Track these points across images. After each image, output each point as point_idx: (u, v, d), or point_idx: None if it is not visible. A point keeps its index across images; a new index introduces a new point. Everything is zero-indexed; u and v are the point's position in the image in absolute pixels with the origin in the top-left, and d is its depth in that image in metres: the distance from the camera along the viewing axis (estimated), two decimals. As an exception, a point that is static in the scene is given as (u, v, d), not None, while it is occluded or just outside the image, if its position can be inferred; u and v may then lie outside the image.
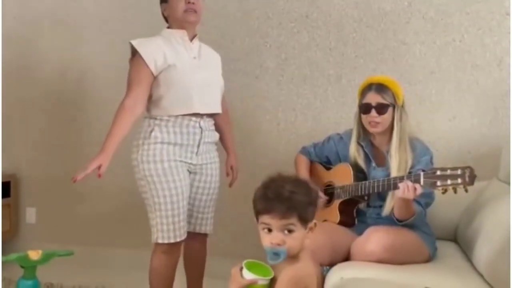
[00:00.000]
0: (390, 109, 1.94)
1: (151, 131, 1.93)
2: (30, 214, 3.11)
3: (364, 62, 2.61)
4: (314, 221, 1.35)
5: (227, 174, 2.26)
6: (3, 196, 2.95)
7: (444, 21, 2.51)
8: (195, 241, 2.13)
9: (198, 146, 2.00)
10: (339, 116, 2.63)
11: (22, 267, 1.93)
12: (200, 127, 1.99)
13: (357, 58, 2.62)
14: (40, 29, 3.05)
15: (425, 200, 1.87)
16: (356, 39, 2.62)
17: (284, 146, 2.71)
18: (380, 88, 1.95)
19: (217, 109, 2.07)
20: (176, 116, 1.95)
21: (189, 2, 1.94)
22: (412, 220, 1.84)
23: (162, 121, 1.95)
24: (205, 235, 2.16)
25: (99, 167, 1.85)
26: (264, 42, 2.74)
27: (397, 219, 1.85)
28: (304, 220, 1.31)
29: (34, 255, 1.92)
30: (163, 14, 2.06)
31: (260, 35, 2.74)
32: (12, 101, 3.09)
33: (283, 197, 1.29)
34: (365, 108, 1.96)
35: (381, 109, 1.93)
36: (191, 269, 2.21)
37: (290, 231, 1.29)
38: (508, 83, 2.43)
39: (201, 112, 1.98)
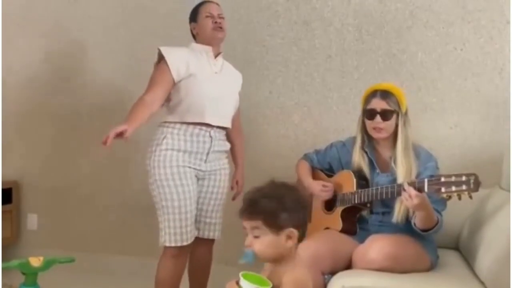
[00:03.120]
0: (394, 116, 1.95)
1: (163, 138, 2.04)
2: (31, 221, 3.11)
3: (365, 70, 2.62)
4: (292, 229, 1.31)
5: (232, 188, 2.31)
6: (5, 203, 2.95)
7: (446, 30, 2.52)
8: (201, 246, 2.16)
9: (207, 154, 2.09)
10: (340, 124, 2.63)
11: (23, 273, 1.93)
12: (210, 137, 2.09)
13: (358, 66, 2.63)
14: (43, 35, 3.07)
15: (442, 207, 1.87)
16: (357, 47, 2.63)
17: (285, 153, 2.71)
18: (385, 94, 1.96)
19: (227, 123, 2.18)
20: (188, 125, 2.05)
21: (215, 22, 2.11)
22: (437, 229, 1.83)
23: (175, 129, 2.06)
24: (212, 241, 2.20)
25: (123, 133, 1.83)
26: (265, 50, 2.75)
27: (421, 230, 1.84)
28: (272, 226, 1.30)
29: (35, 261, 1.92)
30: (191, 32, 2.21)
31: (261, 43, 2.76)
32: (13, 108, 3.11)
33: (251, 201, 1.33)
34: (369, 114, 1.97)
35: (385, 115, 1.94)
36: (195, 275, 2.23)
37: (256, 236, 1.32)
38: (509, 91, 2.43)
39: (211, 123, 2.08)
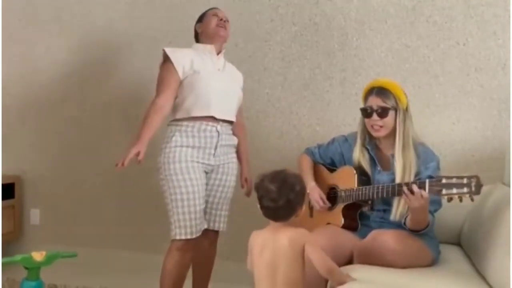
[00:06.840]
0: (391, 113, 1.93)
1: (172, 136, 2.13)
2: (34, 216, 3.12)
3: (367, 65, 2.61)
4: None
5: (242, 186, 2.33)
6: (7, 198, 2.96)
7: (448, 25, 2.51)
8: (205, 238, 2.18)
9: (215, 148, 2.16)
10: (342, 120, 2.63)
11: (26, 268, 1.94)
12: (217, 131, 2.15)
13: (360, 61, 2.62)
14: (45, 30, 3.07)
15: (435, 207, 1.86)
16: (359, 43, 2.62)
17: (287, 149, 2.71)
18: (382, 91, 1.95)
19: (232, 117, 2.24)
20: (195, 121, 2.12)
21: (221, 20, 2.22)
22: (426, 231, 1.83)
23: (182, 126, 2.13)
24: (216, 233, 2.24)
25: (137, 154, 1.99)
26: (267, 45, 2.75)
27: (410, 230, 1.83)
28: None
29: (38, 256, 1.93)
30: (195, 32, 2.29)
31: (263, 39, 2.75)
32: (16, 102, 3.11)
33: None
34: (366, 112, 1.96)
35: (382, 112, 1.93)
36: (198, 268, 2.26)
37: None
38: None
39: (217, 116, 2.15)
